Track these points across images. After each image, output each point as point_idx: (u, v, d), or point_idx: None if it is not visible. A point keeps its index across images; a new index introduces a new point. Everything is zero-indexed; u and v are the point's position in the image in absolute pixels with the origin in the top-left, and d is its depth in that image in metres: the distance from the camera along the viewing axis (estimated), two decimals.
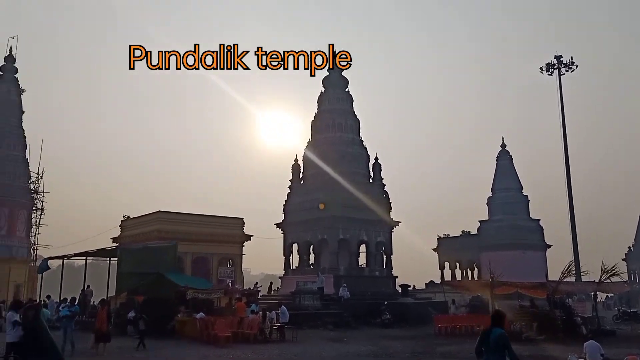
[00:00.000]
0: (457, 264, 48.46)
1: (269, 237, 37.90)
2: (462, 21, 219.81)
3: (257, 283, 35.54)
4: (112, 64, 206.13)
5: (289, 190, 35.50)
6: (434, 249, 50.12)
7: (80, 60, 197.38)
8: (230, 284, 32.52)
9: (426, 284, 46.16)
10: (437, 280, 44.97)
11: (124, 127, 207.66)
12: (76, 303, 19.81)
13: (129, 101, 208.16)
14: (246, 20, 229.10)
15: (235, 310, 22.04)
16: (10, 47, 47.07)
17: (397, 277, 34.87)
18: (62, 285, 27.98)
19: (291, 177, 35.55)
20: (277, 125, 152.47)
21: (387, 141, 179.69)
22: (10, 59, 46.56)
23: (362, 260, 34.95)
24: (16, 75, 46.47)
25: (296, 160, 35.69)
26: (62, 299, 20.83)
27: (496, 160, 48.84)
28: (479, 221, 47.82)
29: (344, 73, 37.06)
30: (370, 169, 35.56)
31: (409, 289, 34.14)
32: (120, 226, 36.99)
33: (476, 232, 47.73)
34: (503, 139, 49.38)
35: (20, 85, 46.56)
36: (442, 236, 50.91)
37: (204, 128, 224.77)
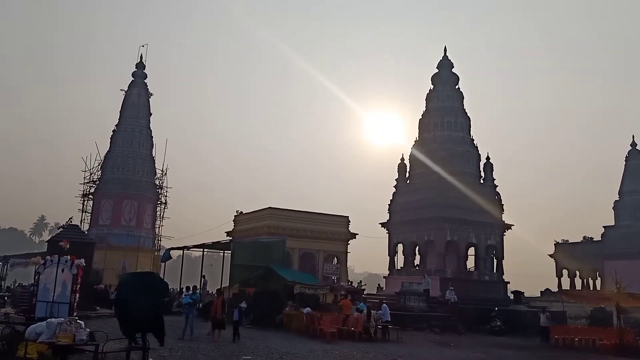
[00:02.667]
0: (577, 272, 44.88)
1: (373, 236, 37.84)
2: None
3: (361, 281, 35.62)
4: (223, 66, 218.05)
5: (394, 190, 35.08)
6: (551, 255, 46.79)
7: (195, 63, 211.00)
8: (335, 280, 32.91)
9: (541, 291, 43.17)
10: (554, 288, 41.90)
11: (235, 127, 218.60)
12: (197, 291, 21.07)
13: (238, 102, 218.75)
14: (353, 20, 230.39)
15: (340, 307, 22.18)
16: (141, 54, 51.71)
17: (508, 282, 33.07)
18: (182, 274, 30.13)
19: (397, 177, 35.10)
20: (383, 125, 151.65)
21: (498, 139, 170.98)
22: (140, 65, 51.11)
23: (470, 263, 33.57)
24: (145, 80, 50.85)
25: (402, 159, 35.16)
26: (185, 287, 22.35)
27: (625, 160, 44.50)
28: (604, 227, 43.86)
29: (454, 70, 35.89)
30: (481, 169, 34.04)
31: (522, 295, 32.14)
32: (233, 221, 38.95)
33: (599, 239, 43.81)
34: (633, 137, 44.82)
35: (149, 89, 50.90)
36: (560, 242, 47.37)
37: (311, 128, 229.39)
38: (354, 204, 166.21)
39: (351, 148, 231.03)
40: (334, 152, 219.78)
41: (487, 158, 34.21)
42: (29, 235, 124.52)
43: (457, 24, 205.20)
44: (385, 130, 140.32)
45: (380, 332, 19.89)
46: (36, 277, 13.45)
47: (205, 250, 30.41)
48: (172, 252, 33.26)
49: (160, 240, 48.96)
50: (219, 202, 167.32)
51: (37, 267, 13.41)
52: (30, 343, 10.69)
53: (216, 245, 29.60)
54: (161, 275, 38.24)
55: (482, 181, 33.73)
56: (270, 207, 34.67)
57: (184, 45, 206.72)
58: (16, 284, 36.14)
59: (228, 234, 37.85)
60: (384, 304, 21.60)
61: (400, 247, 34.39)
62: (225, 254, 30.32)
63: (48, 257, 13.57)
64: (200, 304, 25.22)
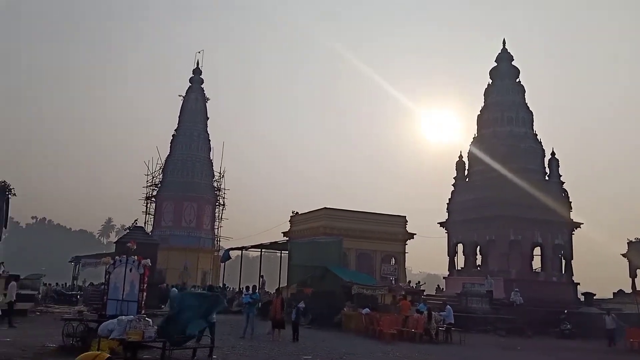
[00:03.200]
0: None
1: (432, 236, 37.08)
2: None
3: (419, 282, 34.99)
4: (274, 67, 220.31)
5: (453, 188, 34.20)
6: (624, 255, 44.13)
7: (247, 66, 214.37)
8: (393, 281, 32.49)
9: (614, 293, 40.84)
10: (627, 290, 39.47)
11: (289, 128, 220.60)
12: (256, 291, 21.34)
13: (291, 103, 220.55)
14: (408, 18, 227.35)
15: (399, 308, 21.85)
16: (197, 60, 53.12)
17: (578, 284, 31.48)
18: (241, 274, 30.70)
19: (455, 175, 34.22)
20: (438, 122, 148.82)
21: (565, 133, 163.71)
22: (197, 71, 52.51)
23: (535, 264, 32.21)
24: (202, 86, 52.20)
25: (460, 157, 34.25)
26: (245, 286, 22.70)
27: None
28: None
29: (514, 62, 34.62)
30: (546, 165, 32.61)
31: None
32: (289, 221, 39.24)
33: None
34: None
35: (205, 94, 52.19)
36: (634, 240, 44.56)
37: (364, 127, 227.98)
38: (411, 203, 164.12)
39: (406, 146, 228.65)
40: (388, 151, 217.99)
41: (552, 154, 32.74)
42: (98, 236, 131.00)
43: (513, 14, 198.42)
44: (441, 128, 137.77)
45: (442, 334, 19.38)
46: (107, 277, 13.93)
47: (262, 250, 30.87)
48: (231, 252, 34.01)
49: (219, 240, 50.15)
50: (275, 203, 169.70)
51: (107, 267, 13.88)
52: (102, 339, 11.10)
53: (273, 246, 29.96)
54: (221, 275, 39.35)
55: (547, 178, 32.32)
56: (325, 208, 34.66)
57: (235, 47, 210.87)
58: (87, 283, 37.98)
59: (284, 234, 38.17)
60: (448, 306, 21.01)
61: (460, 247, 33.49)
62: (282, 254, 30.66)
63: (117, 257, 14.03)
64: (259, 304, 25.59)
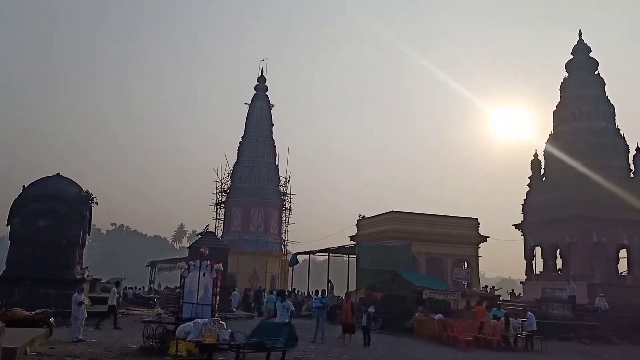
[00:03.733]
0: None
1: (506, 238, 35.61)
2: None
3: (494, 287, 33.67)
4: (338, 67, 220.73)
5: (528, 189, 32.65)
6: None
7: (311, 68, 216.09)
8: (466, 286, 31.45)
9: None
10: None
11: (355, 130, 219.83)
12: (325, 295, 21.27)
13: (355, 104, 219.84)
14: (468, 12, 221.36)
15: (474, 314, 21.06)
16: (262, 68, 54.12)
17: None
18: (309, 278, 30.79)
19: (530, 174, 32.66)
20: (511, 119, 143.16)
21: None
22: (262, 79, 53.52)
23: (621, 267, 30.11)
24: (267, 93, 53.12)
25: (536, 155, 32.65)
26: (314, 291, 22.72)
27: None
28: None
29: (591, 54, 32.68)
30: (631, 162, 30.42)
31: None
32: (356, 225, 39.02)
33: None
34: None
35: (270, 101, 53.05)
36: None
37: (433, 127, 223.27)
38: (483, 204, 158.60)
39: (476, 146, 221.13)
40: (457, 152, 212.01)
41: (638, 149, 30.53)
42: (171, 242, 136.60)
43: (588, 3, 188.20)
44: (513, 126, 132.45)
45: (522, 341, 18.42)
46: (182, 281, 14.31)
47: (330, 254, 30.79)
48: (298, 256, 34.19)
49: (287, 245, 50.70)
50: (341, 206, 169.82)
51: (182, 271, 14.28)
52: (180, 341, 11.38)
53: (341, 250, 29.80)
54: (289, 279, 39.68)
55: (632, 175, 30.17)
56: (393, 211, 34.14)
57: (299, 52, 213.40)
58: (162, 287, 39.55)
59: (352, 238, 37.98)
60: (529, 312, 19.95)
61: (538, 249, 31.88)
62: (350, 258, 30.47)
63: (191, 262, 14.38)
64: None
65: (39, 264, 20.13)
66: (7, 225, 21.33)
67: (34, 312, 14.25)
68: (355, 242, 34.09)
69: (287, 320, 13.01)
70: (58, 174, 22.96)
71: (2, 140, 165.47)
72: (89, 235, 24.19)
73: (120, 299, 28.52)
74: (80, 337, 13.59)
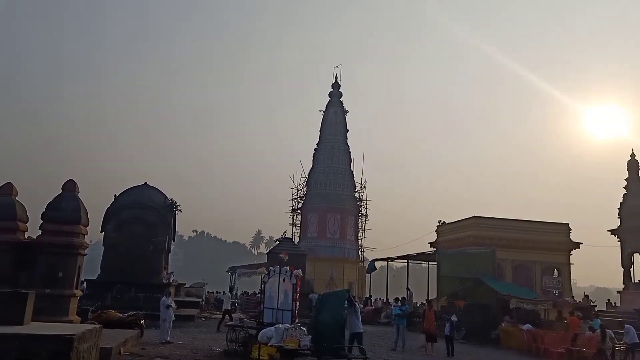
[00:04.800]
0: None
1: (601, 245, 33.12)
2: None
3: (587, 296, 31.44)
4: (417, 70, 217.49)
5: (624, 191, 30.21)
6: None
7: (387, 72, 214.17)
8: (557, 295, 29.61)
9: None
10: None
11: (434, 133, 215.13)
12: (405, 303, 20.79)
13: (435, 106, 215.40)
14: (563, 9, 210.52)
15: (567, 325, 19.71)
16: (336, 75, 54.35)
17: None
18: (387, 285, 30.29)
19: (627, 176, 30.23)
20: (605, 118, 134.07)
21: None
22: (336, 85, 53.71)
23: None
24: (341, 99, 53.23)
25: (633, 155, 30.15)
26: (394, 298, 22.33)
27: None
28: None
29: None
30: None
31: None
32: (436, 231, 38.01)
33: None
34: None
35: (344, 107, 53.10)
36: None
37: (518, 127, 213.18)
38: (575, 209, 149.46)
39: (567, 146, 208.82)
40: (546, 153, 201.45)
41: None
42: (249, 247, 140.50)
43: None
44: (606, 125, 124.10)
45: (621, 355, 16.93)
46: (262, 286, 14.49)
47: (409, 261, 30.16)
48: (376, 263, 33.77)
49: (364, 251, 50.31)
50: (419, 212, 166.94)
51: (262, 276, 14.47)
52: (262, 345, 11.48)
53: (420, 256, 29.11)
54: (366, 286, 39.27)
55: None
56: (475, 216, 32.84)
57: (375, 55, 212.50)
58: (241, 292, 40.55)
59: (431, 244, 37.00)
60: (628, 325, 18.34)
61: (637, 256, 29.35)
62: (430, 265, 29.67)
63: (271, 267, 14.54)
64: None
65: (129, 269, 21.27)
66: (101, 232, 22.76)
67: (126, 315, 14.97)
68: (435, 249, 33.16)
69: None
70: (145, 183, 24.20)
71: (93, 151, 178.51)
72: (174, 241, 25.27)
73: (203, 303, 29.55)
74: (168, 338, 14.09)
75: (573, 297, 31.50)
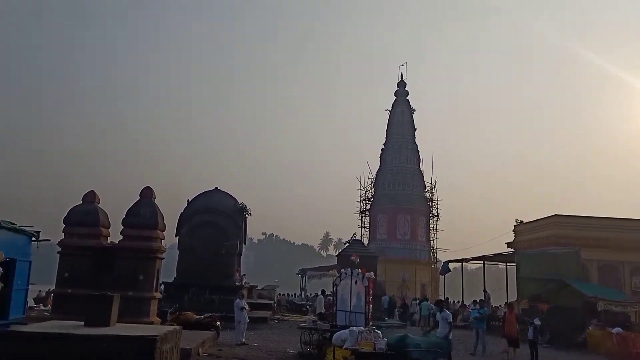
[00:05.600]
0: None
1: None
2: None
3: None
4: (487, 66, 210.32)
5: None
6: None
7: (456, 66, 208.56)
8: None
9: None
10: None
11: (509, 130, 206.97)
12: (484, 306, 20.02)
13: (508, 101, 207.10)
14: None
15: None
16: (401, 73, 53.51)
17: None
18: (463, 288, 29.29)
19: None
20: None
21: None
22: (402, 84, 52.88)
23: None
24: (407, 98, 52.33)
25: None
26: (472, 300, 21.54)
27: None
28: None
29: None
30: None
31: None
32: (513, 231, 36.46)
33: None
34: None
35: (411, 105, 52.15)
36: None
37: (598, 121, 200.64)
38: None
39: None
40: (628, 147, 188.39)
41: None
42: (318, 249, 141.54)
43: None
44: None
45: None
46: (334, 288, 14.36)
47: (485, 262, 29.05)
48: (450, 264, 32.78)
49: (436, 252, 49.05)
50: (494, 212, 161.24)
51: (334, 279, 14.36)
52: (337, 348, 11.31)
53: (497, 257, 27.98)
54: (440, 288, 38.24)
55: None
56: (556, 215, 31.12)
57: (442, 51, 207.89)
58: (310, 294, 40.73)
59: (508, 245, 35.46)
60: None
61: None
62: (507, 267, 28.44)
63: (342, 270, 14.38)
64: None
65: (203, 272, 21.85)
66: (176, 236, 23.56)
67: (202, 316, 15.32)
68: (513, 249, 31.75)
69: (446, 334, 12.21)
70: (216, 188, 24.81)
71: (166, 158, 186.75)
72: (245, 244, 25.73)
73: (275, 305, 29.89)
74: (243, 340, 14.26)
75: None
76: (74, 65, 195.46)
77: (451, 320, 12.95)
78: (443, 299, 34.11)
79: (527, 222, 35.09)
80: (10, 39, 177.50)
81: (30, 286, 10.04)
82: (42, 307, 22.73)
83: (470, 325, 19.22)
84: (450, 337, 12.36)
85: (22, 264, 9.31)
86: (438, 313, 13.38)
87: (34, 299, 22.81)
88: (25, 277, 9.49)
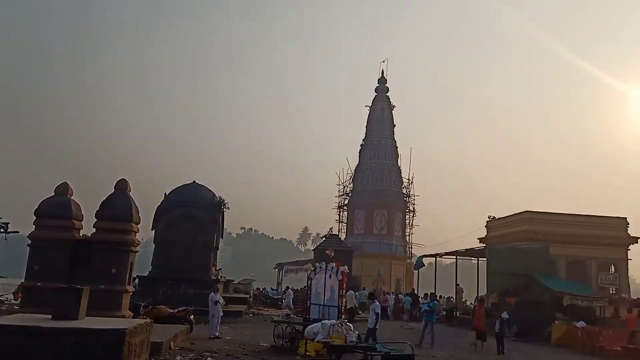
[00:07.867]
0: None
1: None
2: None
3: None
4: (463, 61, 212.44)
5: None
6: None
7: (434, 63, 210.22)
8: (614, 292, 28.37)
9: None
10: None
11: (479, 129, 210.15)
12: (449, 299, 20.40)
13: (478, 102, 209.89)
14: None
15: (623, 323, 18.95)
16: (382, 70, 53.73)
17: None
18: (436, 282, 29.80)
19: None
20: None
21: None
22: (382, 80, 53.12)
23: None
24: (387, 94, 52.64)
25: None
26: (423, 294, 21.97)
27: None
28: None
29: None
30: None
31: None
32: (486, 227, 37.14)
33: None
34: None
35: (391, 102, 52.47)
36: None
37: (570, 118, 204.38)
38: (632, 203, 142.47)
39: (623, 138, 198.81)
40: (599, 145, 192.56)
41: None
42: (296, 244, 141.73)
43: None
44: None
45: None
46: (308, 282, 14.56)
47: (458, 257, 29.57)
48: (424, 259, 33.28)
49: (412, 247, 49.66)
50: (468, 207, 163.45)
51: (308, 273, 14.55)
52: (309, 341, 11.55)
53: (469, 252, 28.51)
54: (415, 284, 38.84)
55: None
56: (527, 211, 31.84)
57: (421, 50, 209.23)
58: (284, 288, 40.83)
59: (481, 240, 36.13)
60: None
61: None
62: (479, 262, 29.01)
63: (317, 264, 14.58)
64: (458, 313, 24.38)
65: (179, 266, 21.80)
66: (152, 229, 23.42)
67: (176, 310, 15.38)
68: (484, 245, 32.39)
69: (374, 324, 12.89)
70: (194, 181, 24.71)
71: (144, 150, 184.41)
72: (222, 238, 25.69)
73: (251, 299, 30.00)
74: (216, 334, 14.37)
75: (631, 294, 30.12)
76: (47, 56, 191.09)
77: (379, 311, 13.36)
78: (435, 294, 34.74)
79: (499, 218, 35.81)
80: None
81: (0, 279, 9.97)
82: (13, 301, 22.40)
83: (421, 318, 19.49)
84: (377, 328, 13.00)
85: None
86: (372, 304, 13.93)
87: (12, 293, 22.36)
88: None
